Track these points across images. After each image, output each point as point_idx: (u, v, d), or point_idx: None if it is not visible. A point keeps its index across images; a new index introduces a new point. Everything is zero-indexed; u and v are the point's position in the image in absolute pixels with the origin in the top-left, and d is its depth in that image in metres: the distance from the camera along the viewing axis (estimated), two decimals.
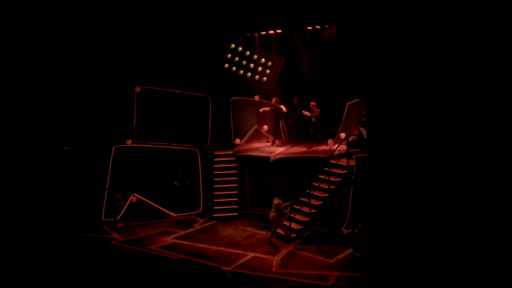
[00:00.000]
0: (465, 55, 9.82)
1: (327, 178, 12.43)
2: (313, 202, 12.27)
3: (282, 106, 15.08)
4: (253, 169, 15.00)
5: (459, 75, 10.05)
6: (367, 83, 11.72)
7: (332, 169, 12.50)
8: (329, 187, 12.27)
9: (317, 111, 14.48)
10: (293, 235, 11.89)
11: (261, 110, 15.46)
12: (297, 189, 12.83)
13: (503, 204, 8.91)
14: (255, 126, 16.75)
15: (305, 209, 12.26)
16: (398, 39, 10.89)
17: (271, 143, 15.37)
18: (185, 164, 15.63)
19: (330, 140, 14.38)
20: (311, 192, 12.23)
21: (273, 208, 11.79)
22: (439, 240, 9.81)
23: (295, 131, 16.62)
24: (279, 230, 12.27)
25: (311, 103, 14.77)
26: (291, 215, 12.12)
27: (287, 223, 12.30)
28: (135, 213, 14.49)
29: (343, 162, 12.72)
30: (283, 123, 15.35)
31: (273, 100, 15.23)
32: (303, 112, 14.76)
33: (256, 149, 15.41)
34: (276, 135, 15.41)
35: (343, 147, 13.44)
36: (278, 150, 14.69)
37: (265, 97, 16.45)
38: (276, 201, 11.82)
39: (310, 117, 14.56)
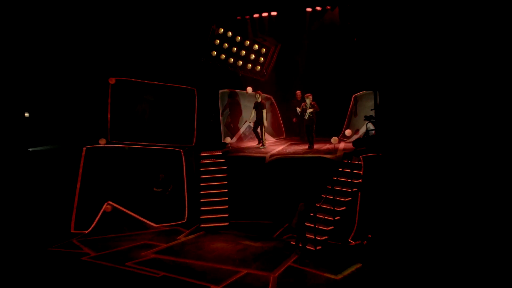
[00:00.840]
0: (494, 35, 9.90)
1: (345, 180, 12.45)
2: (325, 207, 12.31)
3: (272, 100, 15.37)
4: (246, 172, 14.81)
5: (487, 59, 10.01)
6: (376, 71, 11.99)
7: (345, 169, 12.66)
8: (352, 189, 12.33)
9: (313, 105, 14.63)
10: (318, 248, 11.87)
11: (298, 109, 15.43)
12: (303, 194, 12.77)
13: None
14: (248, 123, 16.86)
15: (320, 215, 12.23)
16: (411, 20, 10.88)
17: (261, 144, 15.60)
18: (168, 167, 15.51)
19: (334, 138, 14.40)
20: (328, 197, 12.26)
21: (297, 215, 11.80)
22: (464, 253, 9.83)
23: (296, 129, 17.00)
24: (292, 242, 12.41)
25: (299, 93, 15.24)
26: (309, 225, 11.99)
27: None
28: (109, 224, 14.35)
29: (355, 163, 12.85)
30: (262, 123, 15.44)
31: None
32: (296, 108, 15.22)
33: (249, 149, 15.54)
34: (256, 135, 15.78)
35: (349, 145, 13.77)
36: (274, 150, 14.84)
37: (259, 89, 16.46)
38: (301, 207, 11.83)
39: (303, 112, 14.72)
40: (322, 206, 12.20)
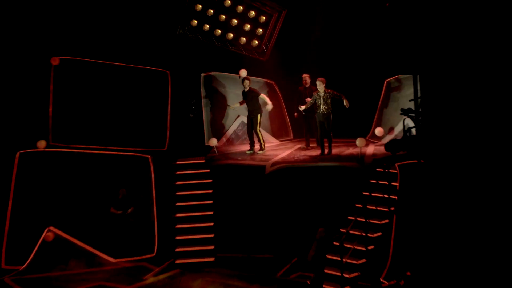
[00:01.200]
0: None
1: (380, 195, 12.62)
2: (354, 233, 12.42)
3: (275, 87, 16.26)
4: (239, 187, 14.75)
5: None
6: (417, 48, 11.93)
7: (379, 181, 12.82)
8: (389, 209, 12.46)
9: (332, 93, 14.60)
10: None
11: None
12: (319, 217, 13.25)
13: None
14: (241, 118, 16.90)
15: (348, 245, 12.24)
16: None
17: (258, 147, 15.89)
18: (131, 180, 15.40)
19: (360, 138, 14.10)
20: (359, 219, 12.42)
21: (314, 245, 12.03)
22: None
23: (303, 127, 16.96)
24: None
25: (306, 77, 15.83)
26: (332, 258, 12.09)
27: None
28: (52, 257, 14.19)
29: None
30: (257, 118, 15.69)
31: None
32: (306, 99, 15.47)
33: (243, 154, 15.56)
34: (249, 136, 15.92)
35: (380, 149, 13.87)
36: (277, 156, 14.85)
37: (257, 72, 16.68)
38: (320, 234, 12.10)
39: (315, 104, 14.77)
40: (350, 231, 12.31)
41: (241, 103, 15.77)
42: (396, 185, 12.70)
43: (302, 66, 17.38)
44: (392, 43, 14.04)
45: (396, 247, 12.60)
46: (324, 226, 11.69)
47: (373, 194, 12.57)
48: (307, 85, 16.01)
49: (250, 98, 15.46)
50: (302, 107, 15.06)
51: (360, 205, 12.51)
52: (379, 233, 12.31)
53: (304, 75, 16.15)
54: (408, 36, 12.59)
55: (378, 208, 12.44)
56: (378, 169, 12.81)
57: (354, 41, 17.07)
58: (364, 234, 12.15)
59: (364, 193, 12.74)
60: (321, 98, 14.48)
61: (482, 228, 10.87)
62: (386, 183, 12.48)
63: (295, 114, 16.47)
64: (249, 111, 15.61)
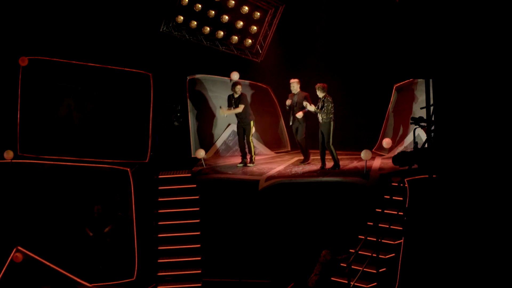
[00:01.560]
0: None
1: (394, 212, 12.77)
2: (364, 254, 12.46)
3: (270, 93, 16.00)
4: (229, 204, 14.74)
5: None
6: (429, 48, 11.65)
7: (393, 197, 12.97)
8: (403, 228, 12.56)
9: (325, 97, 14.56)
10: None
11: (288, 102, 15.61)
12: (321, 237, 13.26)
13: None
14: (232, 127, 16.79)
15: (357, 267, 12.40)
16: None
17: (246, 162, 15.83)
18: (108, 195, 15.44)
19: (365, 151, 14.18)
20: (369, 239, 12.46)
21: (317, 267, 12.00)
22: None
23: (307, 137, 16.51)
24: None
25: (294, 82, 15.23)
26: (339, 281, 12.36)
27: None
28: (20, 280, 13.92)
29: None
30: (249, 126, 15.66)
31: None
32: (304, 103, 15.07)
33: (235, 168, 15.53)
34: (240, 147, 15.95)
35: (388, 163, 13.81)
36: (272, 170, 14.86)
37: (250, 74, 16.59)
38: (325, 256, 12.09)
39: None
40: (360, 252, 12.31)
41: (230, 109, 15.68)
42: (404, 201, 12.81)
43: (300, 69, 17.17)
44: (401, 42, 13.17)
45: (404, 273, 12.62)
46: (329, 248, 11.75)
47: (386, 211, 12.67)
48: (296, 92, 15.36)
49: (240, 103, 15.35)
50: (300, 113, 14.95)
51: (371, 223, 12.60)
52: (393, 254, 12.51)
53: (292, 80, 15.48)
54: (420, 34, 12.19)
55: (392, 227, 12.58)
56: (393, 183, 13.00)
57: (360, 40, 17.06)
58: (375, 255, 12.21)
59: (377, 209, 12.87)
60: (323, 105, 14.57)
61: (504, 256, 10.73)
62: (399, 198, 12.68)
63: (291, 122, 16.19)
64: (239, 119, 15.52)
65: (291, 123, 15.23)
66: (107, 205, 15.38)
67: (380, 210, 12.74)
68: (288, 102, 15.20)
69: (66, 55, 15.92)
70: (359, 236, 12.59)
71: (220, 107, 15.83)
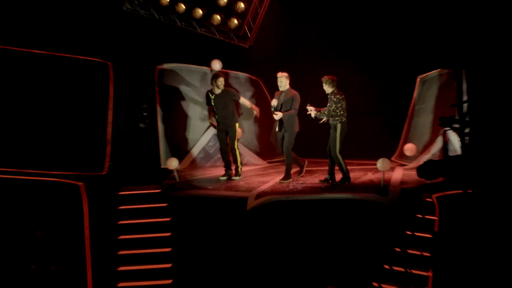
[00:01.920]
0: None
1: (427, 235, 12.69)
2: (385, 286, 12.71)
3: (261, 87, 17.59)
4: (209, 228, 14.29)
5: None
6: (462, 33, 12.23)
7: (426, 216, 12.89)
8: (432, 256, 12.44)
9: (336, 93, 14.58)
10: None
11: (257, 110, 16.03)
12: (327, 271, 13.24)
13: None
14: (213, 130, 16.85)
15: None
16: None
17: (231, 174, 16.02)
18: (53, 216, 14.58)
19: (382, 160, 14.08)
20: (395, 269, 12.63)
21: None
22: None
23: (309, 144, 17.31)
24: None
25: (281, 75, 15.19)
26: None
27: None
28: None
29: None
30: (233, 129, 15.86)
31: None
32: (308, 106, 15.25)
33: (215, 181, 15.54)
34: (223, 156, 16.11)
35: (411, 174, 14.38)
36: (264, 185, 14.85)
37: (236, 64, 17.22)
38: None
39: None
40: (382, 285, 12.51)
41: (212, 113, 15.64)
42: (433, 221, 12.71)
43: (301, 57, 17.71)
44: (426, 25, 14.29)
45: None
46: (335, 284, 11.87)
47: (416, 234, 12.60)
48: (285, 89, 15.30)
49: (223, 102, 15.24)
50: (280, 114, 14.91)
51: (399, 249, 12.50)
52: None
53: (279, 73, 15.27)
54: (450, 17, 12.79)
55: (424, 254, 12.42)
56: (428, 199, 12.80)
57: (374, 19, 17.29)
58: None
59: (407, 232, 12.69)
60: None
61: None
62: (436, 217, 12.47)
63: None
64: (220, 120, 15.42)
65: (277, 129, 15.00)
66: (51, 229, 14.93)
67: (411, 233, 12.64)
68: (274, 102, 15.02)
69: (3, 38, 15.79)
70: (385, 266, 12.54)
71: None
